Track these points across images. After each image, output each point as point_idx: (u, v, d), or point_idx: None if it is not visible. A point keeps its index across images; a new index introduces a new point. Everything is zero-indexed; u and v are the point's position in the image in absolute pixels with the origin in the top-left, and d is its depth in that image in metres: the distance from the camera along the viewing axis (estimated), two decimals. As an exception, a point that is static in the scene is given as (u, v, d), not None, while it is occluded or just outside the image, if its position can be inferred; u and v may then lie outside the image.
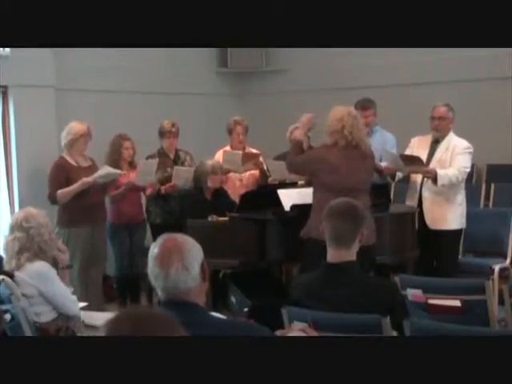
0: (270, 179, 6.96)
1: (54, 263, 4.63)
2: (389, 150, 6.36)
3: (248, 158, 7.05)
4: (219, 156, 7.18)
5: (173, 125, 7.14)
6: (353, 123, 5.25)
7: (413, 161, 6.01)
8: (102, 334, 1.75)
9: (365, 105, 6.69)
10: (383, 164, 6.42)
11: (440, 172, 5.96)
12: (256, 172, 7.18)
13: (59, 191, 6.35)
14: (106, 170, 6.46)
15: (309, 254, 5.04)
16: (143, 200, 7.22)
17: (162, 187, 6.94)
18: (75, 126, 6.51)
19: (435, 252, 6.17)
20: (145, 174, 6.72)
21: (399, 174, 6.35)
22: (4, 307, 4.40)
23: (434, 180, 5.95)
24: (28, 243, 4.50)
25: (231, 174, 7.10)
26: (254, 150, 7.34)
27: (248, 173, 7.21)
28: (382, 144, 6.62)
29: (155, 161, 6.83)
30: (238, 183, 7.21)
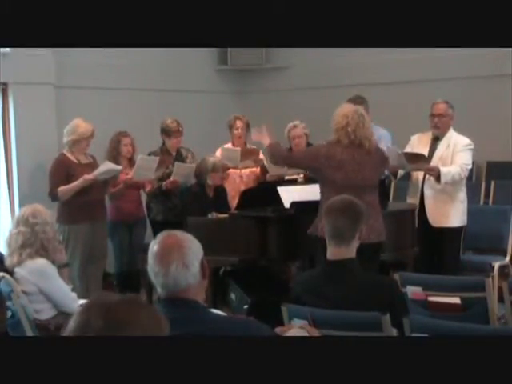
0: (268, 175, 6.97)
1: (53, 261, 4.65)
2: (393, 148, 6.35)
3: (247, 155, 7.05)
4: (219, 153, 7.20)
5: (178, 124, 7.13)
6: (358, 121, 5.18)
7: (417, 158, 5.98)
8: (72, 324, 1.73)
9: (355, 101, 6.68)
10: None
11: (443, 169, 5.95)
12: (257, 169, 7.19)
13: (60, 188, 6.34)
14: (106, 166, 6.45)
15: (317, 252, 5.04)
16: (143, 197, 7.23)
17: (164, 183, 6.93)
18: (81, 127, 6.45)
19: (437, 250, 6.17)
20: (142, 168, 6.69)
21: (401, 172, 6.35)
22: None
23: (437, 178, 5.95)
24: (32, 239, 4.53)
25: (231, 171, 7.10)
26: (254, 147, 7.35)
27: (248, 170, 7.22)
28: (377, 141, 6.61)
29: (155, 158, 6.82)
30: (239, 180, 7.21)
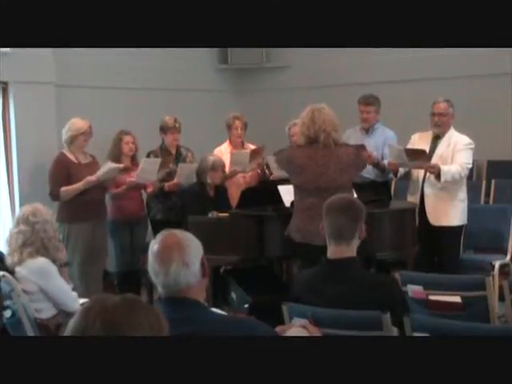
0: (271, 176, 6.95)
1: (54, 260, 4.65)
2: (393, 144, 6.35)
3: (254, 156, 7.00)
4: (218, 152, 7.19)
5: (175, 120, 7.14)
6: (312, 116, 5.21)
7: (418, 154, 5.97)
8: (70, 328, 1.73)
9: (367, 100, 6.69)
10: (385, 160, 6.42)
11: (443, 168, 5.95)
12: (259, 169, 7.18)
13: (62, 189, 6.34)
14: (107, 166, 6.46)
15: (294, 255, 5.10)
16: (144, 196, 7.22)
17: (166, 184, 6.92)
18: (76, 123, 6.50)
19: (437, 248, 6.17)
20: (146, 171, 6.69)
21: (401, 171, 6.34)
22: (4, 303, 4.42)
23: (438, 176, 5.95)
24: (32, 238, 4.54)
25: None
26: (252, 146, 7.33)
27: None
28: (383, 141, 6.61)
29: (158, 160, 6.81)
30: (242, 180, 7.20)
